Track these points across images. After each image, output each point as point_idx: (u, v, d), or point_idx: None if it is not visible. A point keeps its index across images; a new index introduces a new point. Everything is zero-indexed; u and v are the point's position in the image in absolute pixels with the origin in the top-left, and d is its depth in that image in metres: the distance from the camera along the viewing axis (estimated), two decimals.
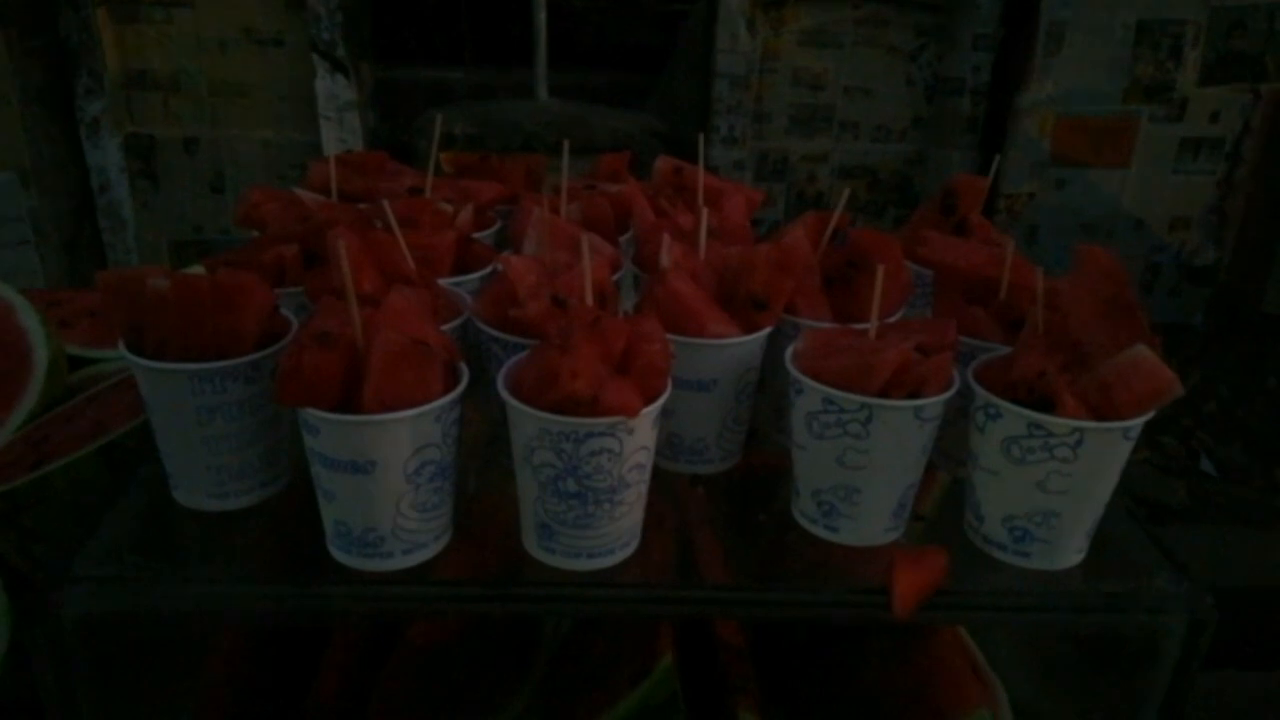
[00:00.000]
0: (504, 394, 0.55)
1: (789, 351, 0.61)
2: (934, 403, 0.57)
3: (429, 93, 2.93)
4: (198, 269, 1.22)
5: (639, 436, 0.55)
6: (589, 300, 0.59)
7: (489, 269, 0.75)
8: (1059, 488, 0.57)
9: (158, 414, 0.60)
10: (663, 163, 0.90)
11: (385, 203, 0.66)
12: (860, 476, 0.59)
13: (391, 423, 0.53)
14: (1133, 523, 0.64)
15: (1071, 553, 0.61)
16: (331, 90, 2.62)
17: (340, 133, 2.66)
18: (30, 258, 2.52)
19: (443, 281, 0.69)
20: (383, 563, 0.58)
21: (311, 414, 0.53)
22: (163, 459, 0.62)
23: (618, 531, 0.58)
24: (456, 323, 0.65)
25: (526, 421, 0.55)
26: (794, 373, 0.60)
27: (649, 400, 0.55)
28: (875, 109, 2.79)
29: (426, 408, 0.54)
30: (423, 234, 0.69)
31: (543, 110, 2.79)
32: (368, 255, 0.62)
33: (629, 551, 0.60)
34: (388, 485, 0.55)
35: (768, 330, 0.66)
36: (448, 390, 0.56)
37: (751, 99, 2.74)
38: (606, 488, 0.55)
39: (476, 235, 0.80)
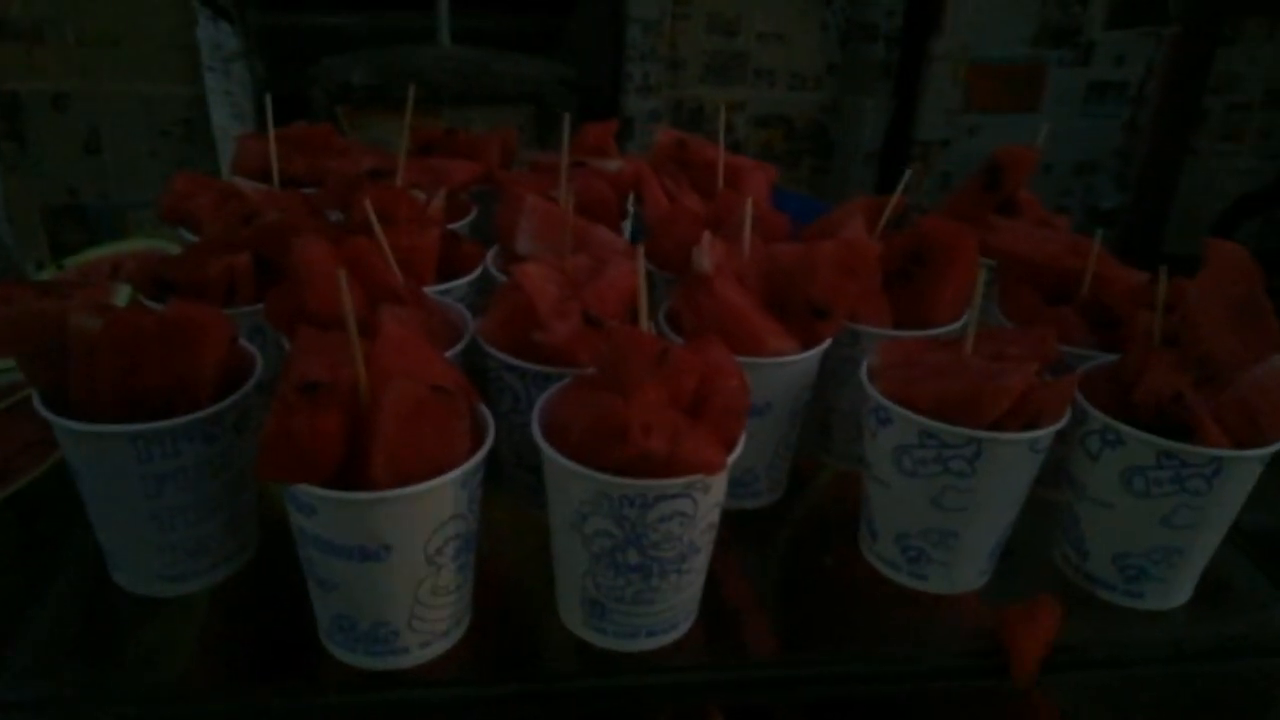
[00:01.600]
0: (547, 449, 0.44)
1: (864, 369, 0.52)
2: (1049, 434, 0.49)
3: (321, 39, 2.72)
4: (85, 262, 1.07)
5: (715, 493, 0.45)
6: (645, 324, 0.48)
7: (478, 271, 0.63)
8: (1186, 522, 0.49)
9: (91, 483, 0.46)
10: (664, 135, 0.78)
11: (368, 202, 0.53)
12: (960, 519, 0.50)
13: (411, 498, 0.41)
14: (1235, 550, 0.57)
15: (1187, 589, 0.54)
16: (214, 38, 2.41)
17: (226, 84, 2.45)
18: None
19: (428, 291, 0.57)
20: (396, 660, 0.46)
21: (306, 491, 0.41)
22: (97, 534, 0.49)
23: (682, 603, 0.48)
24: (458, 348, 0.53)
25: (576, 483, 0.44)
26: (877, 398, 0.50)
27: (728, 448, 0.45)
28: (790, 56, 2.72)
29: (454, 475, 0.42)
30: (401, 233, 0.56)
31: (445, 57, 2.63)
32: (345, 268, 0.50)
33: (690, 623, 0.50)
34: (405, 572, 0.43)
35: (828, 343, 0.56)
36: (474, 445, 0.44)
37: (666, 45, 2.63)
38: (675, 556, 0.45)
39: (451, 226, 0.68)
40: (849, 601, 0.54)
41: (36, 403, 0.45)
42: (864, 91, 2.65)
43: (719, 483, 0.45)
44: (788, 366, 0.54)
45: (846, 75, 2.68)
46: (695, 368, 0.44)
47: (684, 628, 0.49)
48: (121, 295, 0.95)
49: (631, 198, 0.74)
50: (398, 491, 0.40)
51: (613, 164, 0.74)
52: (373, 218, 0.54)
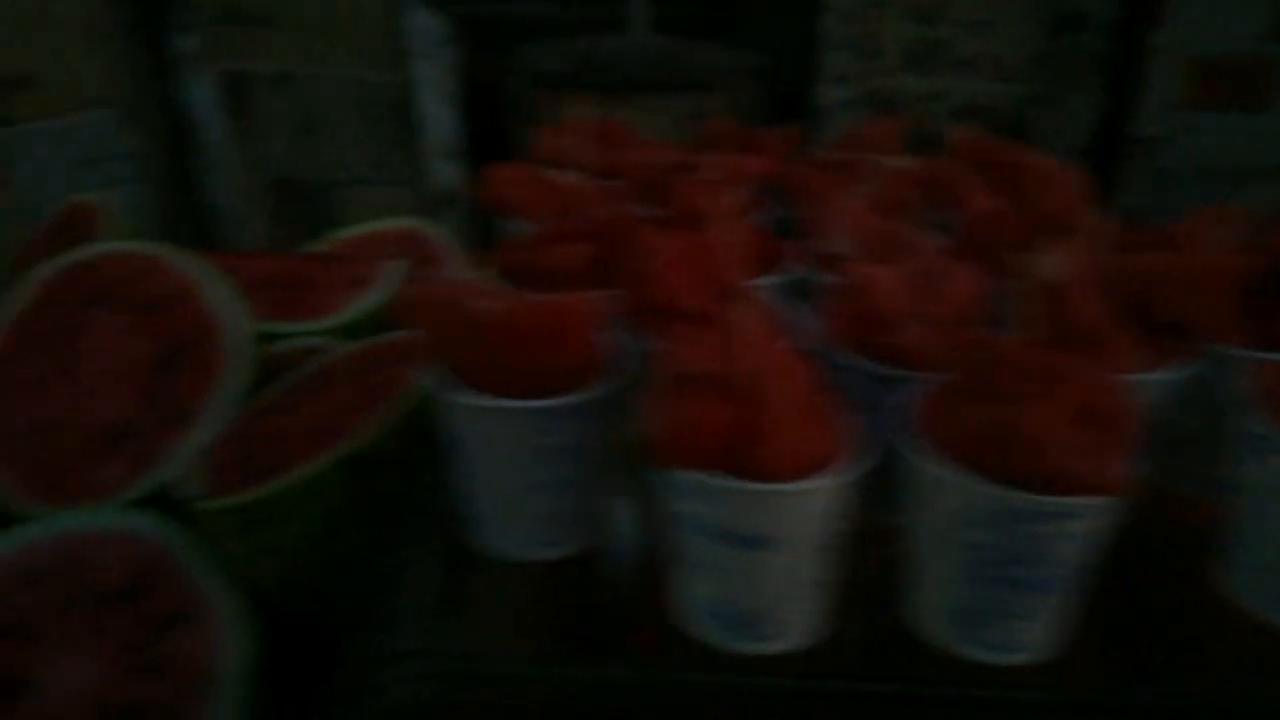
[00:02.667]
0: (927, 459, 0.44)
1: (1229, 391, 0.50)
2: None
3: (519, 27, 2.80)
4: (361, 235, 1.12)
5: (1108, 512, 0.44)
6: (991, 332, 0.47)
7: (788, 268, 0.63)
8: None
9: (477, 455, 0.50)
10: (959, 132, 0.76)
11: (694, 196, 0.54)
12: None
13: (811, 493, 0.43)
14: None
15: None
16: (423, 25, 2.51)
17: (433, 70, 2.55)
18: (129, 196, 2.46)
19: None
20: (767, 645, 0.48)
21: (697, 479, 0.43)
22: (466, 500, 0.52)
23: (1057, 622, 0.48)
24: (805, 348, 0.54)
25: (957, 494, 0.44)
26: (1262, 426, 0.48)
27: (1125, 465, 0.43)
28: (994, 45, 2.61)
29: (850, 473, 0.43)
30: (719, 229, 0.57)
31: (637, 45, 2.66)
32: (685, 262, 0.51)
33: (1059, 643, 0.49)
34: (791, 562, 0.45)
35: (1194, 363, 0.54)
36: (852, 443, 0.45)
37: (861, 33, 2.57)
38: (1063, 575, 0.45)
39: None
40: (1205, 633, 0.52)
41: (429, 376, 0.48)
42: (1073, 84, 2.53)
43: (1113, 502, 0.44)
44: (1157, 386, 0.52)
45: (1054, 66, 2.57)
46: (1087, 381, 0.43)
47: (1054, 647, 0.49)
48: (399, 270, 1.00)
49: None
50: (801, 485, 0.42)
51: (899, 162, 0.73)
52: (697, 213, 0.55)
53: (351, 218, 2.74)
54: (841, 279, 0.53)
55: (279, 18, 2.49)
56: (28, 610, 0.64)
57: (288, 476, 0.62)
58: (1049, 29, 2.55)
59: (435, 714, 0.46)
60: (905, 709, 0.47)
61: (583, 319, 0.46)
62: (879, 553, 0.52)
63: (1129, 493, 0.43)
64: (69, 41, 2.31)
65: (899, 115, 2.70)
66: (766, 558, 0.44)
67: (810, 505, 0.43)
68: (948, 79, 2.65)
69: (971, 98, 2.65)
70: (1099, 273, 0.54)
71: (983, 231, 0.63)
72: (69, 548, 0.67)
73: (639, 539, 0.53)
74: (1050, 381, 0.43)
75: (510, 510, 0.51)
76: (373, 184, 2.70)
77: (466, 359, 0.47)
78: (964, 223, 0.66)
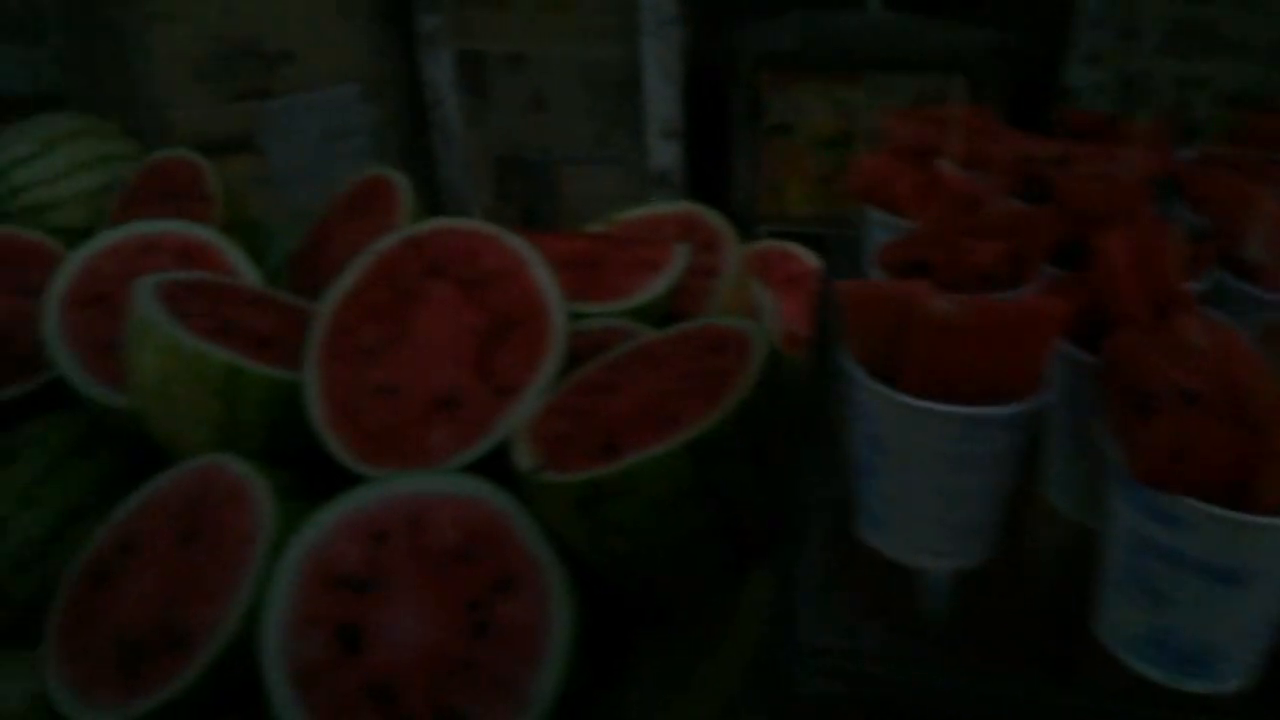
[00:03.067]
0: None
1: None
2: None
3: (748, 3, 2.76)
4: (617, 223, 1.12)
5: None
6: None
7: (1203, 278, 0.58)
8: None
9: (901, 456, 0.48)
10: None
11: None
12: None
13: None
14: None
15: None
16: (655, 3, 2.52)
17: (660, 47, 2.56)
18: (368, 168, 2.59)
19: None
20: (1212, 684, 0.44)
21: (1185, 504, 0.40)
22: (874, 501, 0.51)
23: None
24: None
25: None
26: None
27: None
28: (1272, 24, 2.37)
29: None
30: (1155, 230, 0.53)
31: (872, 23, 2.58)
32: (1137, 268, 0.48)
33: None
34: (1262, 602, 0.41)
35: None
36: None
37: (1121, 11, 2.40)
38: None
39: None
40: None
41: (856, 370, 0.47)
42: None
43: None
44: None
45: None
46: None
47: None
48: (686, 253, 1.00)
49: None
50: None
51: None
52: (1111, 212, 0.51)
53: (569, 195, 2.80)
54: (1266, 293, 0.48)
55: None
56: (370, 565, 0.68)
57: (634, 457, 0.62)
58: None
59: (842, 713, 0.45)
60: None
61: (1047, 323, 0.44)
62: None
63: None
64: (325, 19, 2.45)
65: (1154, 102, 2.52)
66: (1240, 593, 0.40)
67: None
68: (1213, 63, 2.44)
69: (1239, 84, 2.43)
70: None
71: None
72: (409, 508, 0.70)
73: (1056, 554, 0.50)
74: None
75: (922, 515, 0.49)
76: (592, 162, 2.74)
77: (908, 356, 0.45)
78: None
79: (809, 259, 1.23)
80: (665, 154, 2.64)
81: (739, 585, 0.75)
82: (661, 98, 2.60)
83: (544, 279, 0.80)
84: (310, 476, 0.78)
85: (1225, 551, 0.40)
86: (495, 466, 0.73)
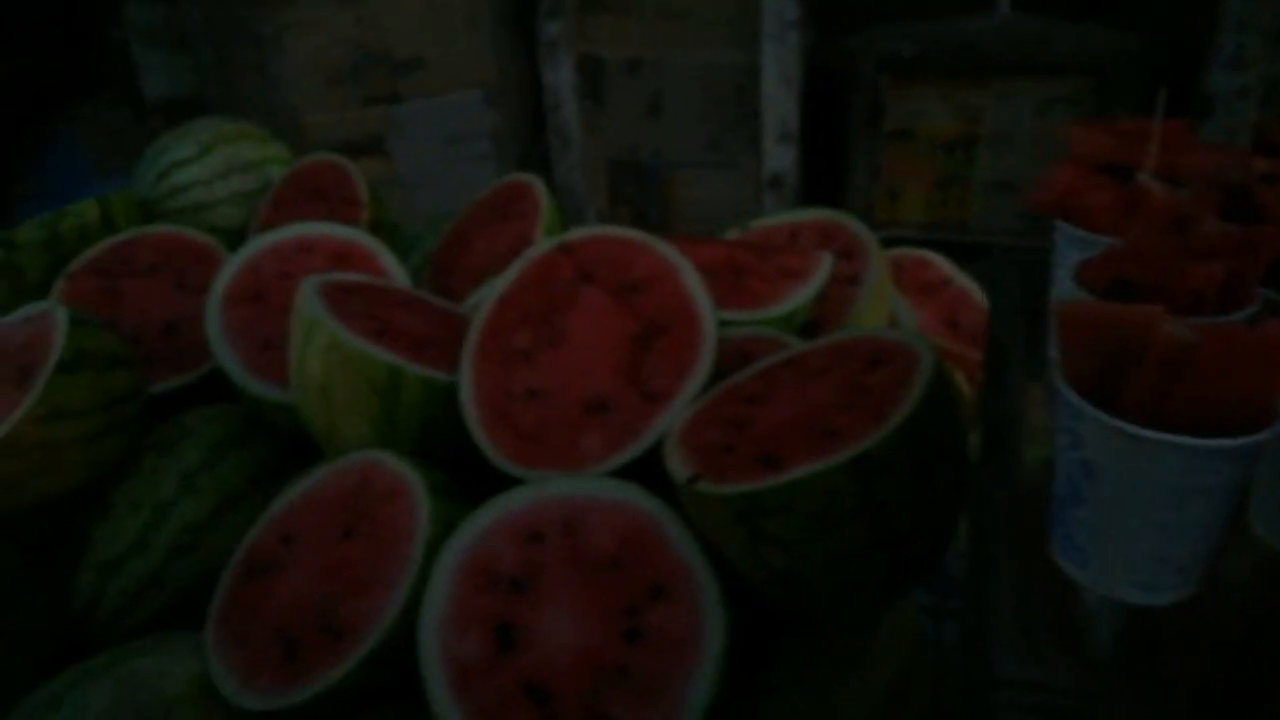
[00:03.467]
0: None
1: None
2: None
3: (871, 7, 2.72)
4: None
5: None
6: None
7: None
8: None
9: (1113, 486, 0.46)
10: None
11: None
12: None
13: None
14: None
15: None
16: (777, 7, 2.50)
17: (781, 51, 2.54)
18: (486, 172, 2.64)
19: None
20: None
21: None
22: (1073, 531, 0.49)
23: None
24: None
25: None
26: None
27: None
28: None
29: None
30: None
31: (1001, 26, 2.50)
32: None
33: None
34: None
35: None
36: None
37: (1269, 13, 2.27)
38: None
39: None
40: None
41: (1071, 394, 0.45)
42: None
43: None
44: None
45: None
46: None
47: None
48: (828, 262, 0.98)
49: None
50: None
51: None
52: None
53: (681, 199, 2.80)
54: None
55: (637, 3, 2.58)
56: (525, 566, 0.69)
57: (797, 472, 0.61)
58: None
59: None
60: None
61: None
62: None
63: None
64: (453, 27, 2.50)
65: None
66: None
67: None
68: None
69: None
70: None
71: None
72: (564, 511, 0.71)
73: (1265, 588, 0.47)
74: None
75: (1132, 548, 0.47)
76: (705, 166, 2.74)
77: (1133, 382, 0.43)
78: None
79: (945, 267, 1.20)
80: (781, 158, 2.62)
81: (890, 604, 0.73)
82: (779, 102, 2.58)
83: (695, 286, 0.80)
84: (461, 476, 0.80)
85: None
86: (643, 472, 0.73)
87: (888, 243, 1.44)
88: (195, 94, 2.77)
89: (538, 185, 1.13)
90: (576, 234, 0.84)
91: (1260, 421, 0.43)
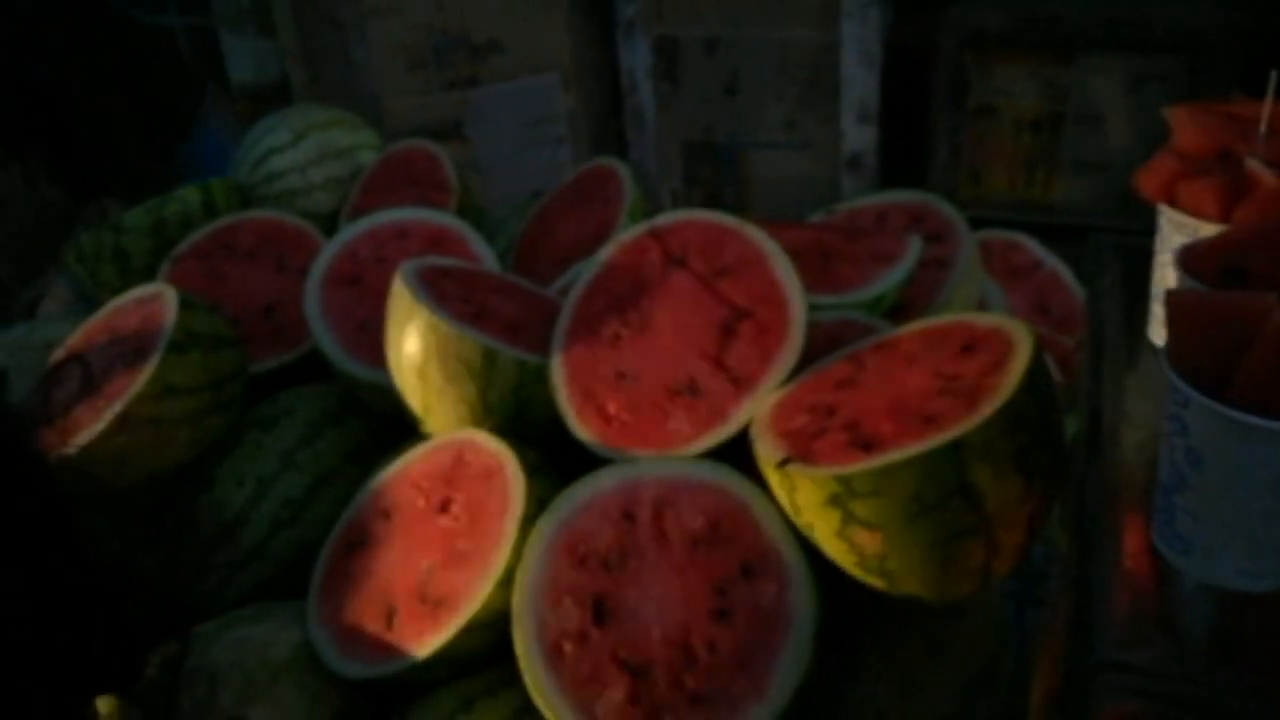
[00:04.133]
0: None
1: None
2: None
3: None
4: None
5: None
6: None
7: None
8: None
9: (1224, 473, 0.46)
10: None
11: None
12: None
13: None
14: None
15: None
16: None
17: (862, 30, 2.50)
18: (562, 155, 2.66)
19: None
20: None
21: None
22: (1176, 518, 0.49)
23: None
24: None
25: None
26: None
27: None
28: None
29: None
30: None
31: (1088, 0, 2.43)
32: None
33: None
34: None
35: None
36: None
37: None
38: None
39: None
40: None
41: (1180, 382, 0.45)
42: None
43: None
44: None
45: None
46: None
47: None
48: (914, 247, 0.97)
49: None
50: None
51: None
52: None
53: (756, 179, 2.78)
54: None
55: None
56: (619, 544, 0.70)
57: (892, 455, 0.62)
58: None
59: None
60: None
61: None
62: None
63: None
64: (529, 9, 2.52)
65: None
66: None
67: None
68: None
69: None
70: None
71: None
72: (657, 491, 0.72)
73: None
74: None
75: (1237, 535, 0.47)
76: (781, 146, 2.72)
77: (1245, 371, 0.43)
78: None
79: (1036, 250, 1.18)
80: (860, 138, 2.59)
81: (983, 591, 0.73)
82: (859, 81, 2.54)
83: (785, 271, 0.80)
84: (553, 456, 0.81)
85: None
86: (732, 455, 0.74)
87: (973, 224, 1.42)
88: (280, 80, 2.84)
89: (622, 170, 1.14)
90: (666, 218, 0.85)
91: None
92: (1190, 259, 0.53)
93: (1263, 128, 0.59)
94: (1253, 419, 0.43)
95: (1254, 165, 0.57)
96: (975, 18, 2.43)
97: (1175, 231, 0.62)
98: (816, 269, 0.93)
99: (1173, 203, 0.63)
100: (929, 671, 0.75)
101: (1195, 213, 0.60)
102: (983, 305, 1.05)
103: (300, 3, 2.63)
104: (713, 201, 2.81)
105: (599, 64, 2.67)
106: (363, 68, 2.54)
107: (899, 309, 0.97)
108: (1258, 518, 0.45)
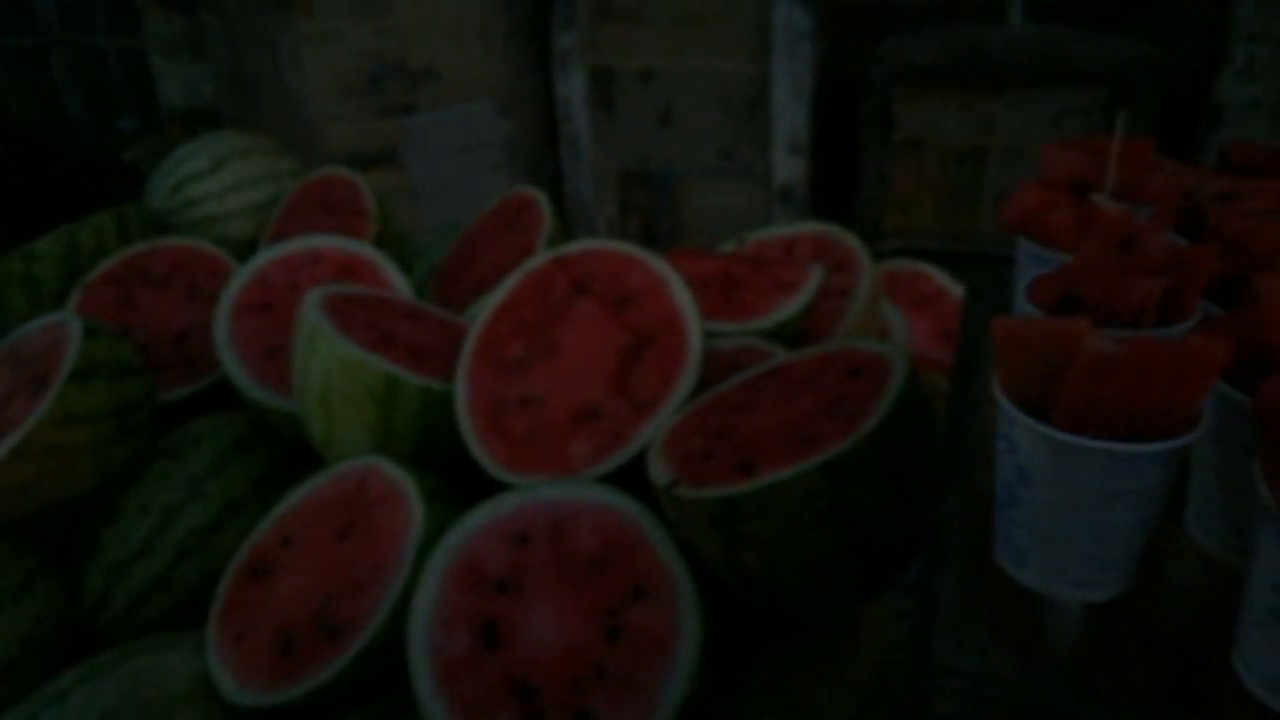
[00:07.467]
0: None
1: None
2: None
3: (886, 17, 2.73)
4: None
5: None
6: None
7: None
8: None
9: (1048, 490, 0.49)
10: None
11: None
12: None
13: None
14: None
15: None
16: (788, 18, 2.52)
17: (791, 63, 2.56)
18: (498, 182, 2.67)
19: None
20: None
21: None
22: (1011, 532, 0.51)
23: None
24: None
25: None
26: None
27: None
28: None
29: None
30: None
31: (1018, 36, 2.52)
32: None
33: None
34: None
35: None
36: None
37: None
38: None
39: None
40: None
41: (1006, 403, 0.47)
42: None
43: None
44: None
45: None
46: None
47: None
48: (819, 275, 1.00)
49: None
50: None
51: None
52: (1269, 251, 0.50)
53: (691, 208, 2.82)
54: None
55: (650, 14, 2.60)
56: (512, 567, 0.71)
57: (770, 477, 0.64)
58: None
59: None
60: None
61: (1207, 365, 0.43)
62: None
63: None
64: (467, 38, 2.54)
65: None
66: None
67: None
68: None
69: None
70: None
71: None
72: (551, 515, 0.73)
73: (1193, 588, 0.49)
74: None
75: (1064, 548, 0.49)
76: (716, 176, 2.76)
77: (1062, 392, 0.46)
78: None
79: (940, 279, 1.21)
80: (791, 169, 2.64)
81: (863, 606, 0.75)
82: (790, 113, 2.60)
83: (684, 299, 0.82)
84: (457, 481, 0.82)
85: None
86: (632, 478, 0.76)
87: (896, 253, 1.46)
88: (213, 105, 2.81)
89: (541, 198, 1.16)
90: (571, 247, 0.87)
91: (1181, 428, 0.45)
92: (1035, 289, 0.56)
93: (1112, 163, 0.62)
94: (1071, 438, 0.45)
95: (1098, 199, 0.61)
96: (904, 52, 2.49)
97: (1030, 262, 0.65)
98: (722, 297, 0.96)
99: (1030, 235, 0.66)
100: (820, 692, 0.77)
101: (1048, 244, 0.64)
102: (886, 332, 1.08)
103: (234, 27, 2.61)
104: (648, 230, 2.84)
105: (536, 92, 2.70)
106: (298, 94, 2.53)
107: (803, 335, 1.00)
108: (1083, 531, 0.47)
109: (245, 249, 1.25)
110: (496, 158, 2.72)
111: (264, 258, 1.04)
